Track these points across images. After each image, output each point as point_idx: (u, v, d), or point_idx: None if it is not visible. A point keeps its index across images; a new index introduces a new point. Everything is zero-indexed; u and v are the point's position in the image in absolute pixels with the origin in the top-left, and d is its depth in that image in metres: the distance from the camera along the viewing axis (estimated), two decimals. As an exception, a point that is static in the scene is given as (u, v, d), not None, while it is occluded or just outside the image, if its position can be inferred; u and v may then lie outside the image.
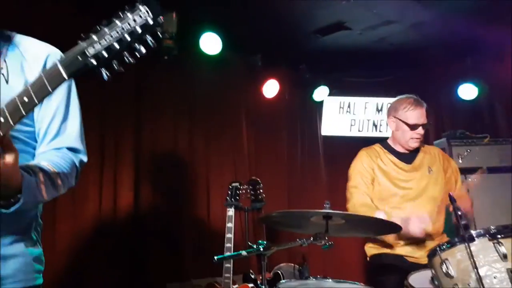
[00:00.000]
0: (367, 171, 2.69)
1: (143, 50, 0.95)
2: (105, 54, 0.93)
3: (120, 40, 0.93)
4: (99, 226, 3.31)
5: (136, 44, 0.94)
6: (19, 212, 1.23)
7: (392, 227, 2.00)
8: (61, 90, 1.34)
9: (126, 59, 0.95)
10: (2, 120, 0.99)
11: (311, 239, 1.92)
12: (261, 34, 3.91)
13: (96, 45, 0.93)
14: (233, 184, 3.23)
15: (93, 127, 3.21)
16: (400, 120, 2.66)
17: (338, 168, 4.71)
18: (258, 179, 3.27)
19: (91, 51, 0.93)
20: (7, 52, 1.29)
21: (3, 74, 1.23)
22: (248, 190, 3.24)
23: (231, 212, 3.12)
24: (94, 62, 0.93)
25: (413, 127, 2.63)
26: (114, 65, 0.95)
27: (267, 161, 4.33)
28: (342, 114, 4.60)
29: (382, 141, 2.84)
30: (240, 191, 3.21)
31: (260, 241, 2.06)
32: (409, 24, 3.83)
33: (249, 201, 3.26)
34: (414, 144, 2.67)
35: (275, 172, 4.32)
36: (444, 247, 1.61)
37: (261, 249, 2.01)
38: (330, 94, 4.51)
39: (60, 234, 3.11)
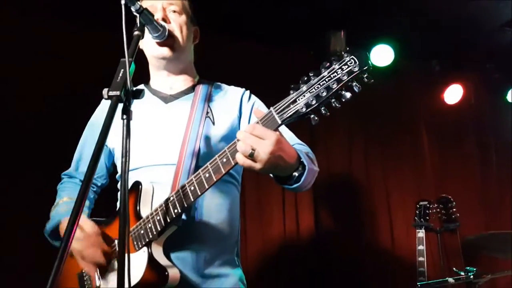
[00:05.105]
0: None
1: (349, 95, 0.94)
2: (314, 102, 0.95)
3: (328, 88, 0.94)
4: (284, 249, 3.39)
5: (342, 91, 0.94)
6: (228, 235, 1.35)
7: None
8: None
9: (333, 104, 0.95)
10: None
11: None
12: (436, 37, 3.61)
13: (306, 94, 0.97)
14: (421, 203, 2.99)
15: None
16: None
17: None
18: (450, 197, 2.97)
19: (301, 99, 0.96)
20: (212, 98, 1.43)
21: (209, 117, 1.37)
22: (439, 209, 2.97)
23: (421, 233, 2.88)
24: (304, 110, 0.97)
25: None
26: (322, 110, 0.96)
27: (455, 175, 3.91)
28: (543, 116, 3.91)
29: None
30: (430, 211, 2.96)
31: (468, 268, 1.84)
32: None
33: (439, 222, 2.98)
34: None
35: (465, 187, 3.86)
36: None
37: (471, 277, 1.78)
38: (526, 94, 3.88)
39: (250, 256, 3.30)
